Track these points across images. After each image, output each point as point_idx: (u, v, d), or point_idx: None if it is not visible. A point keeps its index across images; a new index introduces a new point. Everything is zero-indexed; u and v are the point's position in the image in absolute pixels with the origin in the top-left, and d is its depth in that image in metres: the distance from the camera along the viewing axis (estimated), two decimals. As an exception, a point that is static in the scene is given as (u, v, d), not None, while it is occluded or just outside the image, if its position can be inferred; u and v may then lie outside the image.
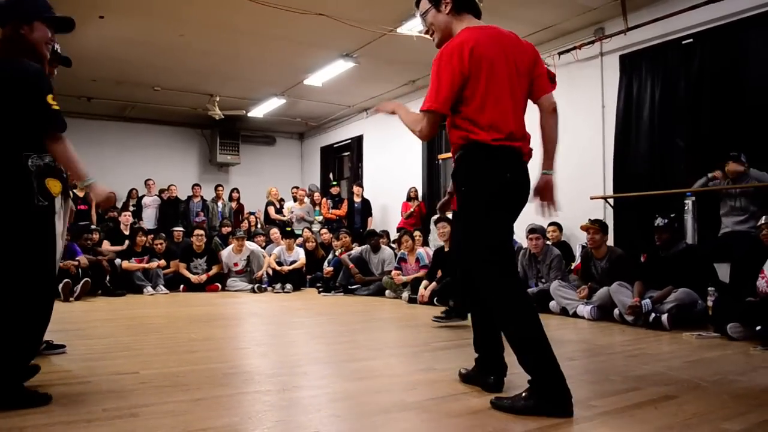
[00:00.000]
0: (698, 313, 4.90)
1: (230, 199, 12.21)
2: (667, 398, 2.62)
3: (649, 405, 2.51)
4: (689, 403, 2.56)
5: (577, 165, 7.57)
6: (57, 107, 2.48)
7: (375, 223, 10.79)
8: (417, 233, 8.10)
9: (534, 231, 6.26)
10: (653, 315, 4.78)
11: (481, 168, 2.55)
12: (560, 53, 7.72)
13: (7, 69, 2.47)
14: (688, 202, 6.09)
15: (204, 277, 8.91)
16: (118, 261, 8.50)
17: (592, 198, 7.10)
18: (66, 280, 7.09)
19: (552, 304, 5.84)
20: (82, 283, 7.31)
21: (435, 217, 8.54)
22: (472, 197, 2.57)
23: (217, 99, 11.06)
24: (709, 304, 5.05)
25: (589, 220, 5.84)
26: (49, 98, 2.46)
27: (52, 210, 2.53)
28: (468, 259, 2.65)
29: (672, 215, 5.34)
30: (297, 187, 12.28)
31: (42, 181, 2.46)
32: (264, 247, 9.80)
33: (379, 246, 8.56)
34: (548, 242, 6.65)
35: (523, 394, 2.42)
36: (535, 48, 2.81)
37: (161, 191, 11.82)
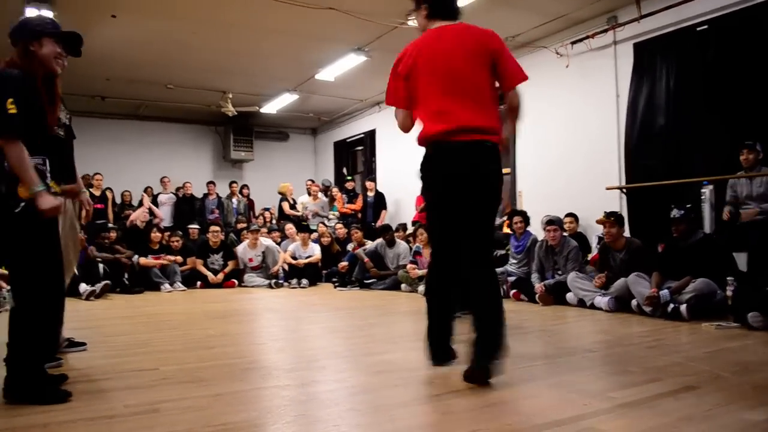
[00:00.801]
0: (717, 303, 4.84)
1: (242, 194, 12.28)
2: (688, 389, 2.60)
3: (669, 396, 2.50)
4: (710, 394, 2.53)
5: (591, 155, 7.53)
6: (12, 111, 2.45)
7: (389, 217, 10.79)
8: (429, 228, 8.08)
9: (552, 222, 6.24)
10: (672, 305, 4.74)
11: (423, 164, 2.99)
12: (573, 43, 7.65)
13: None
14: (705, 191, 6.02)
15: (221, 276, 8.97)
16: (135, 258, 8.57)
17: (608, 188, 7.05)
18: (106, 282, 7.48)
19: (569, 296, 5.81)
20: (102, 285, 7.40)
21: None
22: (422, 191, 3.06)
23: (230, 96, 11.08)
24: (728, 293, 5.00)
25: (605, 213, 5.79)
26: (8, 102, 2.45)
27: (29, 213, 2.51)
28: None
29: (688, 206, 5.28)
30: (312, 181, 12.30)
31: (14, 185, 2.48)
32: (279, 243, 9.84)
33: (395, 240, 8.56)
34: (565, 234, 6.61)
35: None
36: (496, 40, 3.02)
37: (177, 189, 11.89)
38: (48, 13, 6.41)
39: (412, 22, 7.21)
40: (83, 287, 7.24)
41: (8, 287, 5.88)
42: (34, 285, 2.54)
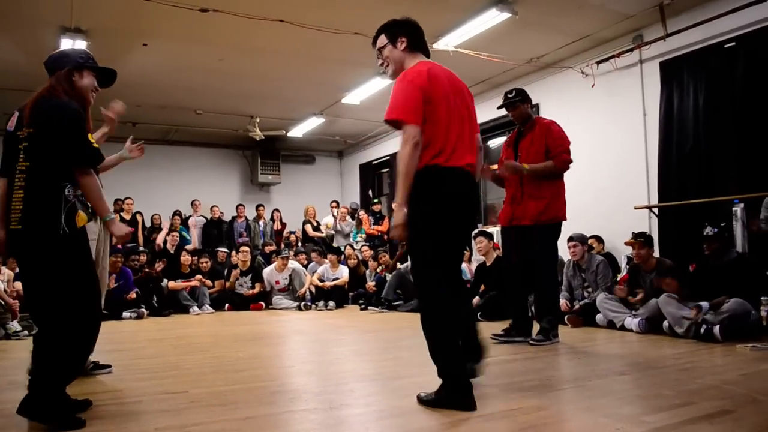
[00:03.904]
0: (752, 324, 4.73)
1: (272, 219, 12.39)
2: (723, 413, 2.54)
3: (704, 420, 2.44)
4: (746, 418, 2.47)
5: (618, 174, 7.47)
6: (96, 145, 2.67)
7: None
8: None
9: (571, 239, 6.17)
10: (704, 327, 4.65)
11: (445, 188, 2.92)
12: (599, 62, 7.64)
13: (52, 104, 2.61)
14: (737, 209, 5.93)
15: (252, 292, 9.17)
16: (164, 282, 8.69)
17: (636, 208, 6.97)
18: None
19: (599, 317, 5.74)
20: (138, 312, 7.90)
21: (474, 231, 8.50)
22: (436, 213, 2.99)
23: (258, 120, 11.24)
24: (763, 314, 4.88)
25: (633, 234, 5.72)
26: (90, 136, 2.65)
27: (78, 237, 2.62)
28: None
29: (722, 224, 5.20)
30: (337, 202, 12.36)
31: (73, 211, 2.57)
32: (305, 266, 9.90)
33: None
34: (592, 251, 6.56)
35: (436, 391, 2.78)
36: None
37: (209, 211, 12.04)
38: (82, 44, 6.64)
39: (442, 45, 7.30)
40: (125, 313, 7.77)
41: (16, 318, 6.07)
42: (68, 310, 2.54)
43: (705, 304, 4.76)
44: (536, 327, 4.91)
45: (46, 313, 2.58)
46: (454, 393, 2.70)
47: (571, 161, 4.77)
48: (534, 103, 8.66)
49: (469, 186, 2.99)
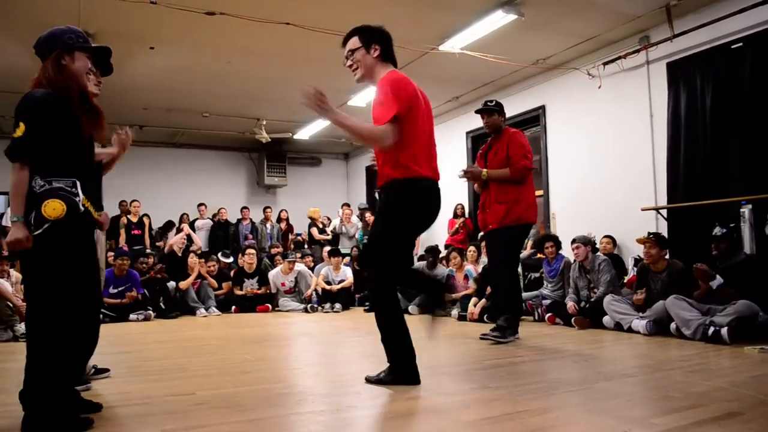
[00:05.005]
0: (760, 326, 4.70)
1: (278, 220, 12.39)
2: (732, 415, 2.53)
3: (713, 423, 2.43)
4: (755, 420, 2.46)
5: (625, 176, 7.45)
6: (18, 134, 2.42)
7: (421, 241, 10.76)
8: (472, 248, 8.09)
9: (574, 241, 6.25)
10: (712, 329, 4.63)
11: (421, 194, 3.33)
12: (605, 63, 7.62)
13: (21, 99, 2.49)
14: (745, 211, 5.90)
15: (258, 291, 9.23)
16: (172, 284, 8.71)
17: (643, 209, 6.95)
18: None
19: (606, 319, 5.72)
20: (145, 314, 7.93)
21: (481, 234, 8.50)
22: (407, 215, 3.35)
23: (264, 123, 11.28)
24: (771, 316, 4.86)
25: (648, 233, 5.72)
26: (20, 125, 2.43)
27: (61, 232, 2.44)
28: None
29: (732, 225, 5.19)
30: (348, 205, 12.36)
31: (39, 202, 2.42)
32: (311, 268, 9.91)
33: (436, 263, 8.48)
34: (598, 253, 6.58)
35: (384, 372, 3.24)
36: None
37: (213, 215, 12.07)
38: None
39: (448, 47, 7.30)
40: (132, 316, 7.82)
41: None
42: (48, 312, 2.40)
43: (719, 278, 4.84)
44: (525, 327, 4.92)
45: (29, 316, 2.46)
46: (404, 371, 3.19)
47: (528, 168, 5.01)
48: (540, 104, 8.74)
49: (435, 194, 3.32)
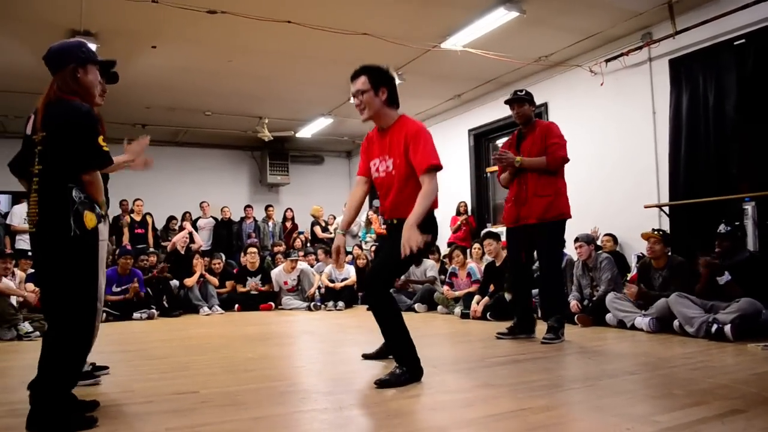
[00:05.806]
0: (763, 324, 4.70)
1: (284, 219, 12.40)
2: (735, 413, 2.52)
3: (716, 420, 2.43)
4: (759, 417, 2.46)
5: (628, 173, 7.45)
6: (107, 149, 2.68)
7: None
8: (476, 246, 8.10)
9: (577, 240, 6.24)
10: (715, 326, 4.63)
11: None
12: (607, 60, 7.62)
13: (63, 108, 2.61)
14: (748, 208, 5.89)
15: (261, 288, 9.26)
16: (175, 282, 8.74)
17: (646, 206, 6.94)
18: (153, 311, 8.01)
19: (608, 317, 5.71)
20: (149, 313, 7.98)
21: (483, 232, 8.51)
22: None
23: (266, 121, 11.28)
24: (775, 313, 4.86)
25: (653, 229, 5.71)
26: (100, 140, 2.65)
27: (88, 239, 2.61)
28: None
29: (737, 223, 5.18)
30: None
31: (81, 213, 2.57)
32: (314, 266, 9.92)
33: (420, 260, 8.48)
34: (600, 251, 6.58)
35: (398, 371, 3.27)
36: None
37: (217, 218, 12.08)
38: (92, 47, 6.64)
39: (450, 45, 7.30)
40: (136, 314, 7.86)
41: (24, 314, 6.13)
42: (79, 310, 2.55)
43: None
44: (542, 326, 4.92)
45: (59, 312, 2.57)
46: (416, 370, 3.32)
47: (566, 159, 4.85)
48: (543, 101, 8.72)
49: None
